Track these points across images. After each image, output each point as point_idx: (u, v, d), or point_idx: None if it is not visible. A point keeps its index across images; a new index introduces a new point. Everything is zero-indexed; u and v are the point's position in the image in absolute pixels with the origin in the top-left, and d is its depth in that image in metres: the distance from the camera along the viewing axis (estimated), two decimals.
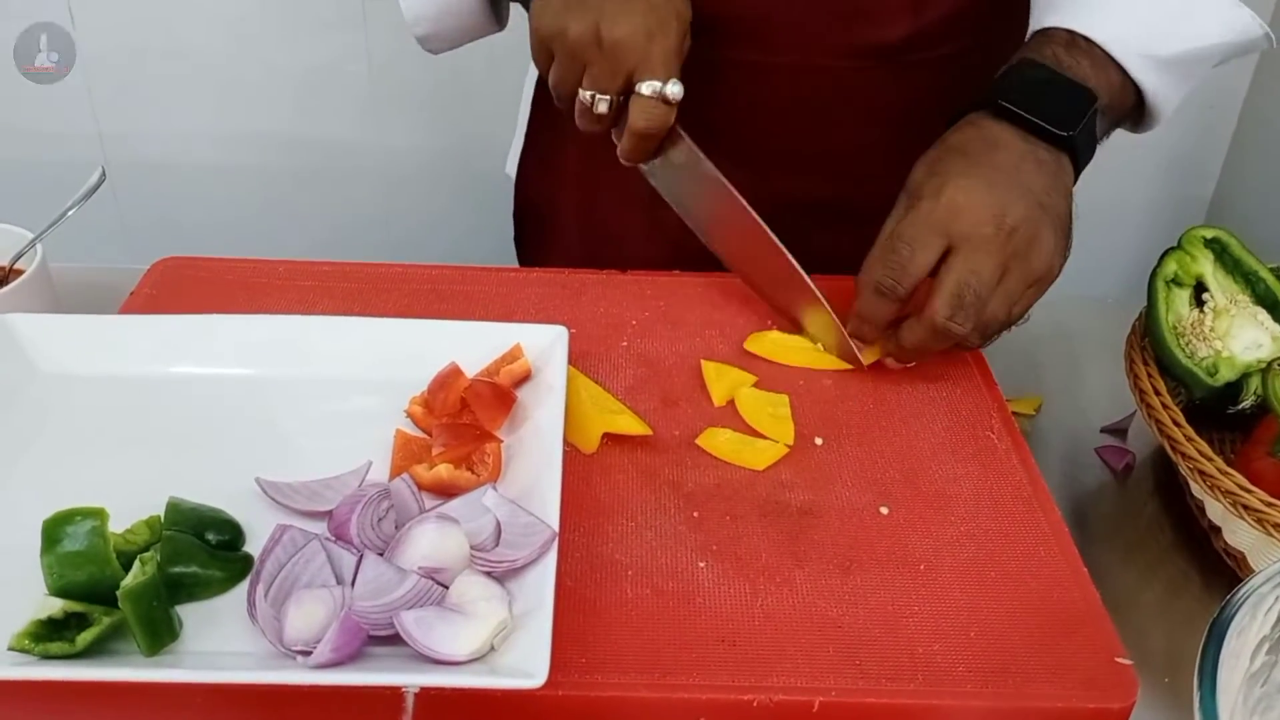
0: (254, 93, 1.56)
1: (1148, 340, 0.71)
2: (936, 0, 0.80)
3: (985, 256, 0.65)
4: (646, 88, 0.68)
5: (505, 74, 1.56)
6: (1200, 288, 0.71)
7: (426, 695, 0.50)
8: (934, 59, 0.82)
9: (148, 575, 0.50)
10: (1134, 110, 0.75)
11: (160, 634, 0.50)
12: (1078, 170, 0.70)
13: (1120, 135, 1.57)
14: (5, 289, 0.75)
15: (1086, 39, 0.70)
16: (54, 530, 0.52)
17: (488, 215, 1.67)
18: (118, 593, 0.49)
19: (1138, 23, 0.71)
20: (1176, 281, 0.71)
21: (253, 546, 0.57)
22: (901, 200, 0.69)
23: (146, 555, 0.51)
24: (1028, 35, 0.75)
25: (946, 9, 0.80)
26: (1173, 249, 0.72)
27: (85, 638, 0.48)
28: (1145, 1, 0.72)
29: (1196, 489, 0.66)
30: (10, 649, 0.49)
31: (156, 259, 0.81)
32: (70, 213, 0.78)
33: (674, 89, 0.68)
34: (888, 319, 0.69)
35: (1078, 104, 0.69)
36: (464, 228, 1.66)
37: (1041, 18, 0.74)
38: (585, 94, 0.70)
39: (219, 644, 0.52)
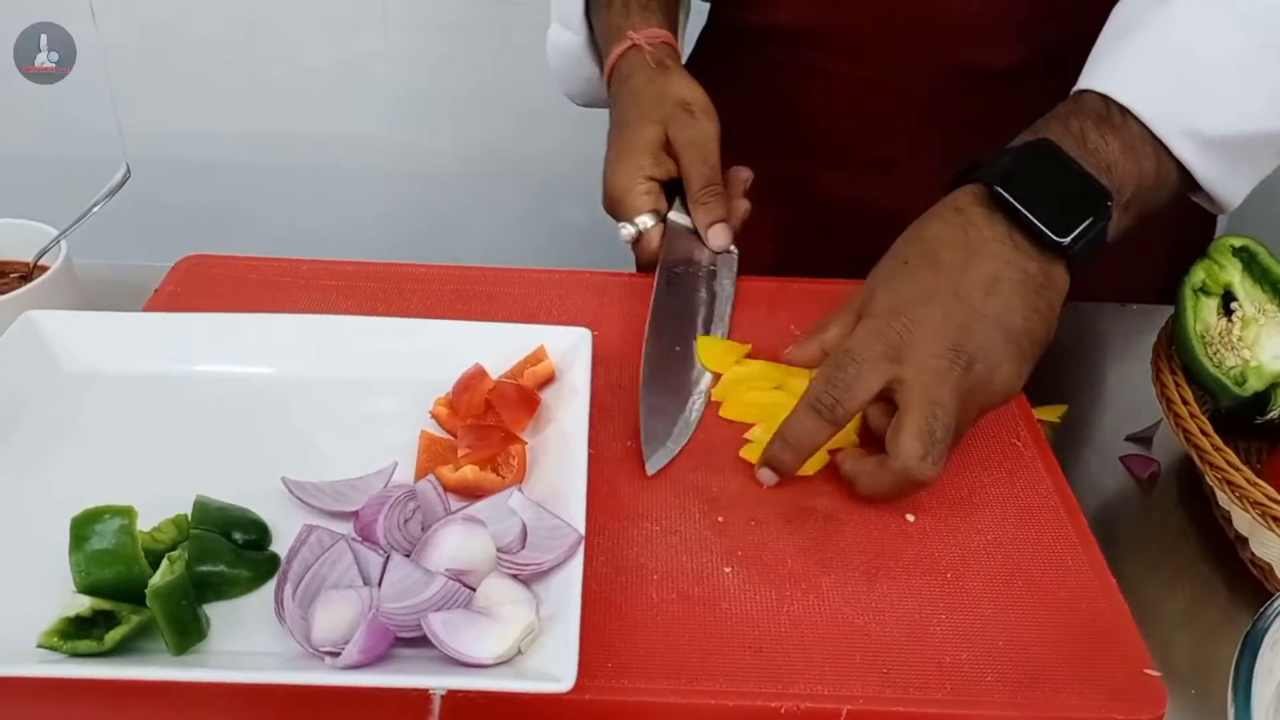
0: (274, 91, 1.56)
1: (1175, 349, 0.71)
2: (1051, 26, 0.75)
3: (943, 388, 0.59)
4: (622, 232, 0.77)
5: (526, 75, 1.57)
6: (1228, 296, 0.71)
7: (452, 698, 0.50)
8: (1038, 87, 0.71)
9: (176, 574, 0.50)
10: (1180, 194, 0.68)
11: (189, 633, 0.50)
12: (1076, 275, 0.64)
13: None
14: (29, 285, 0.75)
15: (1124, 109, 0.63)
16: (82, 528, 0.52)
17: (510, 215, 1.68)
18: (146, 591, 0.49)
19: (1185, 91, 0.63)
20: (1204, 290, 0.70)
21: (278, 546, 0.57)
22: (851, 305, 0.65)
23: (174, 554, 0.52)
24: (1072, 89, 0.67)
25: (1060, 37, 0.73)
26: (1201, 257, 0.71)
27: (114, 636, 0.48)
28: (1199, 65, 0.63)
29: (1223, 499, 0.65)
30: (39, 646, 0.49)
31: (175, 256, 0.81)
32: (96, 209, 0.78)
33: (637, 225, 0.77)
34: (815, 445, 0.62)
35: (1087, 208, 0.62)
36: (485, 228, 1.66)
37: (1087, 70, 0.67)
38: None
39: (245, 643, 0.52)
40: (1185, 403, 0.67)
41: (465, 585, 0.52)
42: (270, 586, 0.54)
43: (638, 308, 0.78)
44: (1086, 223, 0.61)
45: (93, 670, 0.48)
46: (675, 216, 0.78)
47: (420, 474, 0.61)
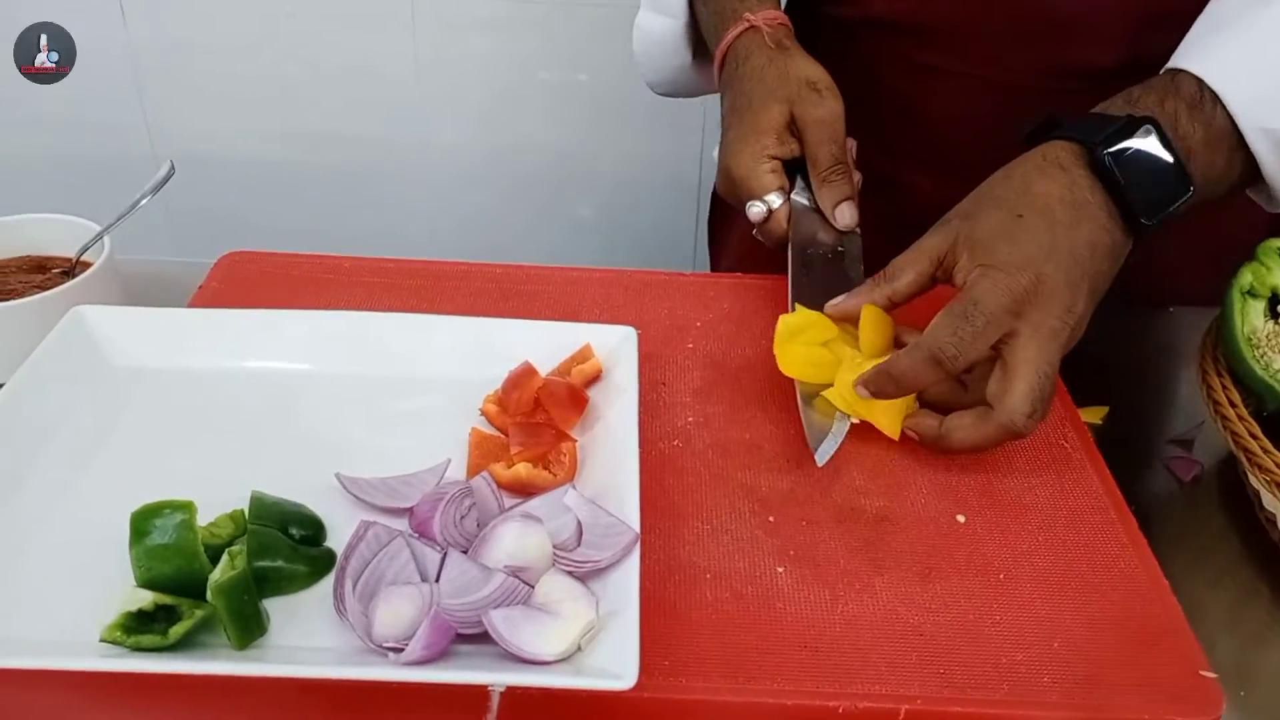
0: (301, 90, 1.56)
1: (1221, 351, 0.71)
2: (1156, 28, 0.74)
3: (1055, 347, 0.61)
4: (750, 210, 0.75)
5: (551, 73, 1.57)
6: (1275, 299, 0.71)
7: (511, 694, 0.50)
8: None
9: (238, 569, 0.50)
10: (1240, 189, 0.70)
11: (251, 628, 0.50)
12: (1137, 245, 0.66)
13: None
14: (74, 281, 0.75)
15: (1215, 95, 0.65)
16: (142, 523, 0.52)
17: (536, 214, 1.68)
18: (209, 587, 0.50)
19: (1269, 87, 0.65)
20: (1252, 293, 0.70)
21: (331, 542, 0.57)
22: (927, 252, 0.65)
23: (235, 549, 0.52)
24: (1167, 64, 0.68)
25: (1164, 40, 0.71)
26: (1248, 260, 0.71)
27: (177, 631, 0.48)
28: None
29: (1269, 502, 0.65)
30: (102, 640, 0.49)
31: (204, 253, 0.82)
32: (142, 204, 0.78)
33: (767, 203, 0.75)
34: (921, 387, 0.64)
35: (1174, 198, 0.64)
36: (511, 226, 1.67)
37: (1181, 50, 0.68)
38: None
39: (302, 639, 0.52)
40: (1233, 405, 0.67)
41: (523, 582, 0.52)
42: (326, 582, 0.54)
43: (679, 305, 0.78)
44: (1170, 208, 0.64)
45: (159, 665, 0.48)
46: (797, 196, 0.77)
47: (472, 471, 0.61)
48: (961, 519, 0.61)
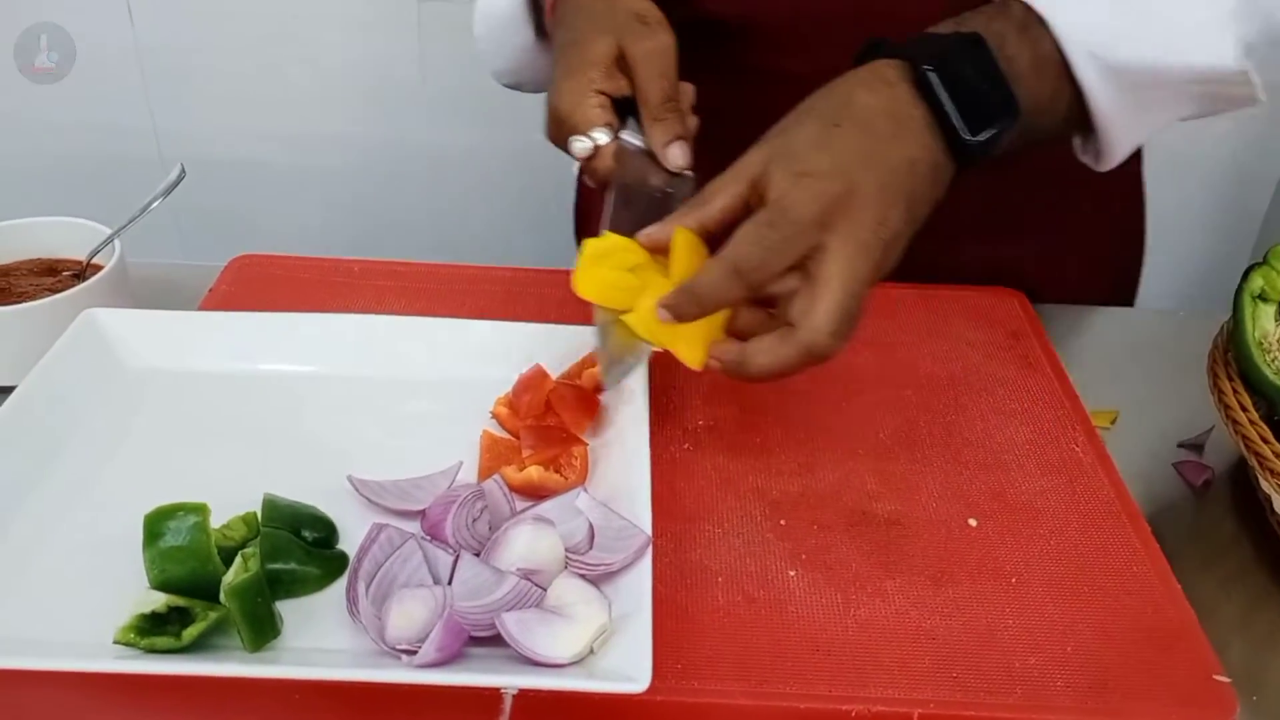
0: (309, 93, 1.56)
1: (1232, 355, 0.71)
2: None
3: (865, 262, 0.57)
4: (574, 146, 0.70)
5: None
6: None
7: (523, 697, 0.50)
8: None
9: (252, 572, 0.50)
10: (1068, 127, 0.67)
11: (264, 630, 0.50)
12: (962, 169, 0.63)
13: (1176, 149, 1.56)
14: (85, 284, 0.75)
15: (1041, 21, 0.63)
16: (156, 525, 0.52)
17: (543, 216, 1.68)
18: (222, 589, 0.50)
19: (1098, 14, 0.63)
20: (1263, 297, 0.70)
21: (343, 544, 0.57)
22: (743, 174, 0.60)
23: (248, 551, 0.52)
24: None
25: None
26: (1258, 264, 0.71)
27: (190, 633, 0.49)
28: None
29: None
30: (116, 642, 0.49)
31: (211, 256, 0.82)
32: (153, 207, 0.78)
33: (593, 139, 0.69)
34: (725, 304, 0.59)
35: (998, 115, 0.61)
36: (518, 229, 1.66)
37: None
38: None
39: (316, 641, 0.52)
40: (1244, 409, 0.67)
41: (536, 585, 0.52)
42: (338, 584, 0.54)
43: None
44: (994, 130, 0.60)
45: (173, 666, 0.48)
46: (627, 136, 0.72)
47: (484, 474, 0.61)
48: (973, 523, 0.61)
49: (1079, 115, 0.65)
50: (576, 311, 0.77)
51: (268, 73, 1.54)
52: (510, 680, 0.48)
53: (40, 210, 0.82)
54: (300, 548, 0.54)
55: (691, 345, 0.61)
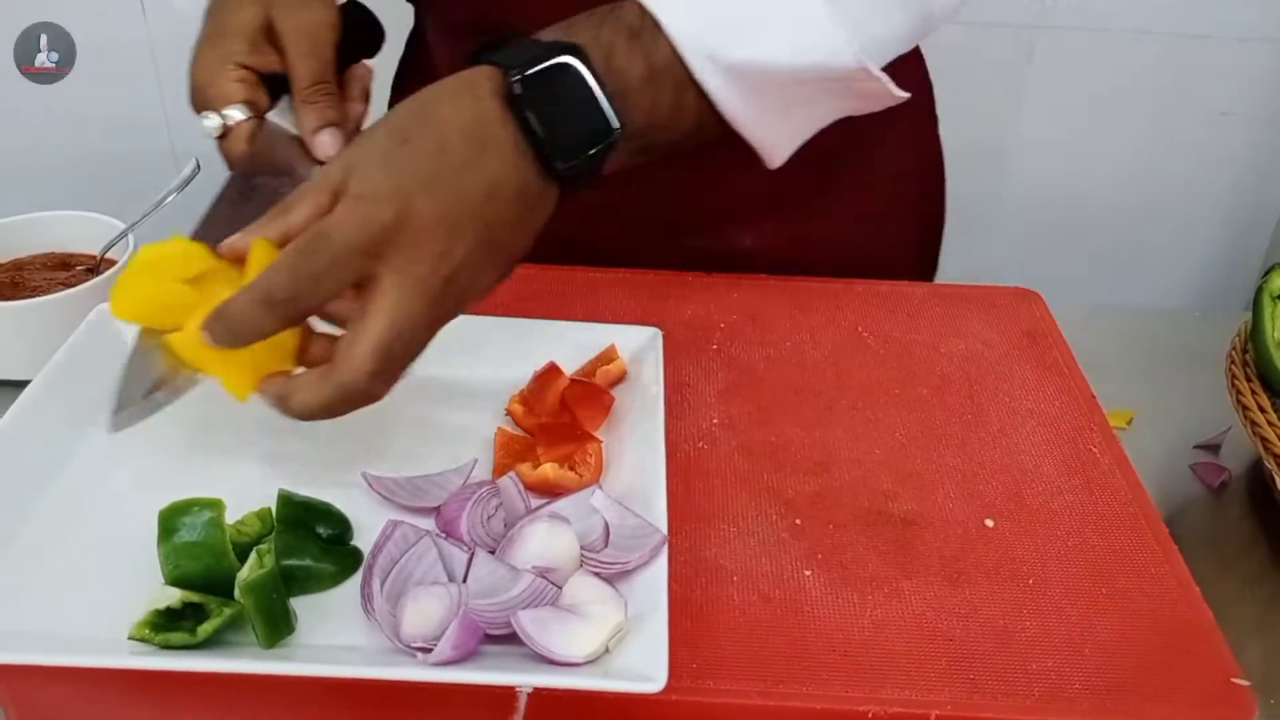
0: None
1: (1250, 355, 0.70)
2: None
3: (419, 299, 0.52)
4: (204, 124, 0.66)
5: None
6: None
7: (538, 696, 0.49)
8: None
9: (267, 568, 0.50)
10: (705, 132, 0.61)
11: (279, 627, 0.50)
12: (565, 199, 0.58)
13: (1193, 149, 1.55)
14: (98, 278, 0.75)
15: (655, 24, 0.57)
16: (171, 520, 0.52)
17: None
18: (237, 585, 0.50)
19: (715, 15, 0.58)
20: None
21: (357, 541, 0.57)
22: (326, 182, 0.54)
23: (263, 547, 0.52)
24: None
25: None
26: (1278, 264, 0.71)
27: (206, 629, 0.48)
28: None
29: None
30: (130, 639, 0.49)
31: None
32: (168, 202, 0.78)
33: (224, 117, 0.64)
34: (258, 336, 0.53)
35: (592, 139, 0.55)
36: None
37: None
38: None
39: (329, 638, 0.52)
40: (1262, 410, 0.66)
41: (551, 583, 0.52)
42: (352, 581, 0.54)
43: (702, 306, 0.78)
44: (587, 155, 0.55)
45: (186, 663, 0.48)
46: (277, 118, 0.66)
47: (499, 471, 0.61)
48: (990, 523, 0.61)
49: (716, 120, 0.60)
50: (591, 308, 0.77)
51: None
52: (525, 679, 0.48)
53: (54, 205, 0.83)
54: (315, 544, 0.54)
55: (240, 374, 0.54)
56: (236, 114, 0.64)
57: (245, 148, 0.65)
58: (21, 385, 0.62)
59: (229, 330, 0.52)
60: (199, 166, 0.79)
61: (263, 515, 0.55)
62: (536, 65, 0.54)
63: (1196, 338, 0.83)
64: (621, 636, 0.50)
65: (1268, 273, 0.71)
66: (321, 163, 0.64)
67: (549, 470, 0.59)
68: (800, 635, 0.54)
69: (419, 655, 0.49)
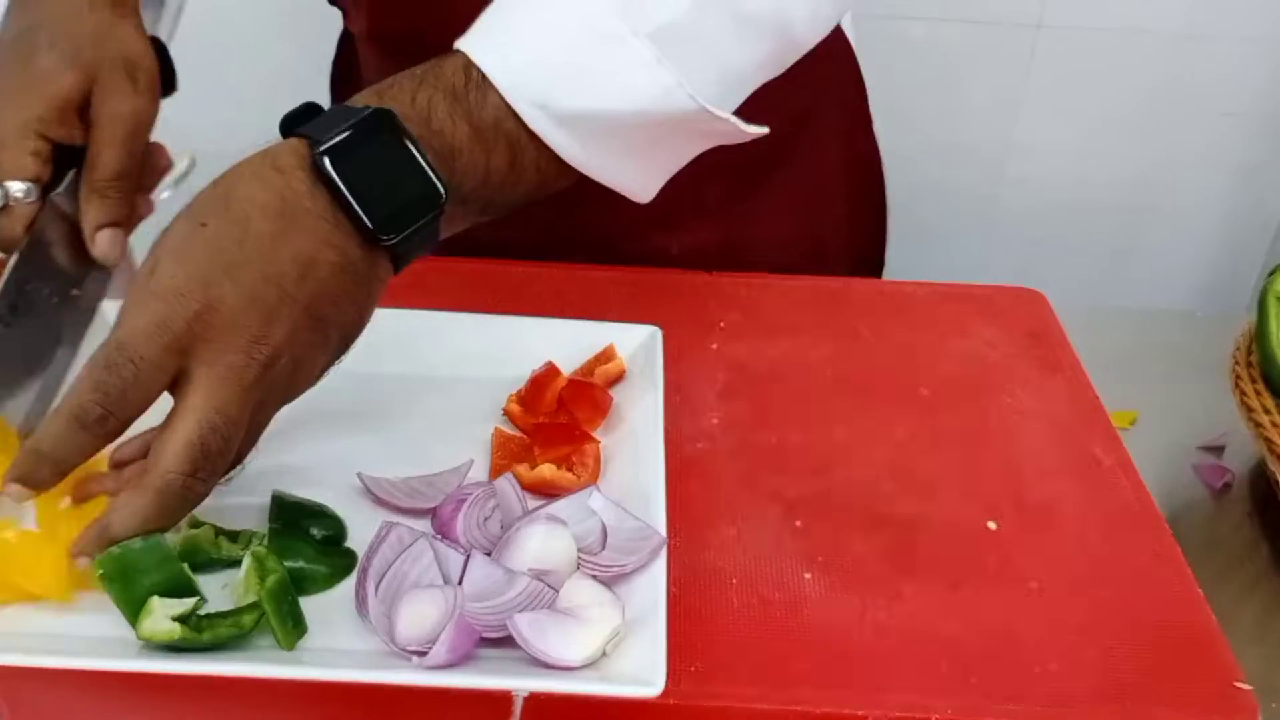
0: (319, 83, 1.55)
1: (1254, 356, 0.70)
2: None
3: (232, 389, 0.49)
4: None
5: None
6: None
7: (534, 700, 0.49)
8: None
9: (278, 572, 0.49)
10: (555, 182, 0.59)
11: (300, 627, 0.50)
12: (402, 264, 0.56)
13: (1194, 150, 1.54)
14: None
15: (482, 77, 0.55)
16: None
17: None
18: (261, 597, 0.49)
19: (542, 63, 0.56)
20: None
21: (352, 543, 0.56)
22: (155, 250, 0.51)
23: (260, 551, 0.51)
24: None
25: None
26: None
27: (215, 634, 0.48)
28: (560, 43, 0.57)
29: None
30: (140, 638, 0.48)
31: None
32: (163, 198, 0.77)
33: (7, 190, 0.59)
34: (80, 459, 0.50)
35: (418, 206, 0.53)
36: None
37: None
38: None
39: (324, 640, 0.51)
40: (1267, 411, 0.66)
41: (548, 586, 0.51)
42: (346, 584, 0.54)
43: (702, 305, 0.78)
44: (414, 225, 0.53)
45: (179, 666, 0.47)
46: (60, 199, 0.60)
47: (495, 472, 0.60)
48: (992, 525, 0.60)
49: (561, 169, 0.58)
50: (589, 307, 0.76)
51: (279, 62, 1.53)
52: (521, 683, 0.48)
53: None
54: (309, 546, 0.54)
55: (50, 571, 0.50)
56: (22, 191, 0.59)
57: (21, 232, 0.60)
58: None
59: (49, 460, 0.49)
60: (195, 163, 0.78)
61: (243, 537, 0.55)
62: (343, 134, 0.52)
63: (1200, 339, 0.82)
64: (619, 640, 0.50)
65: (1272, 273, 0.70)
66: (93, 262, 0.60)
67: (546, 471, 0.59)
68: (800, 638, 0.53)
69: (414, 658, 0.49)
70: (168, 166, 0.66)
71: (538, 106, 0.56)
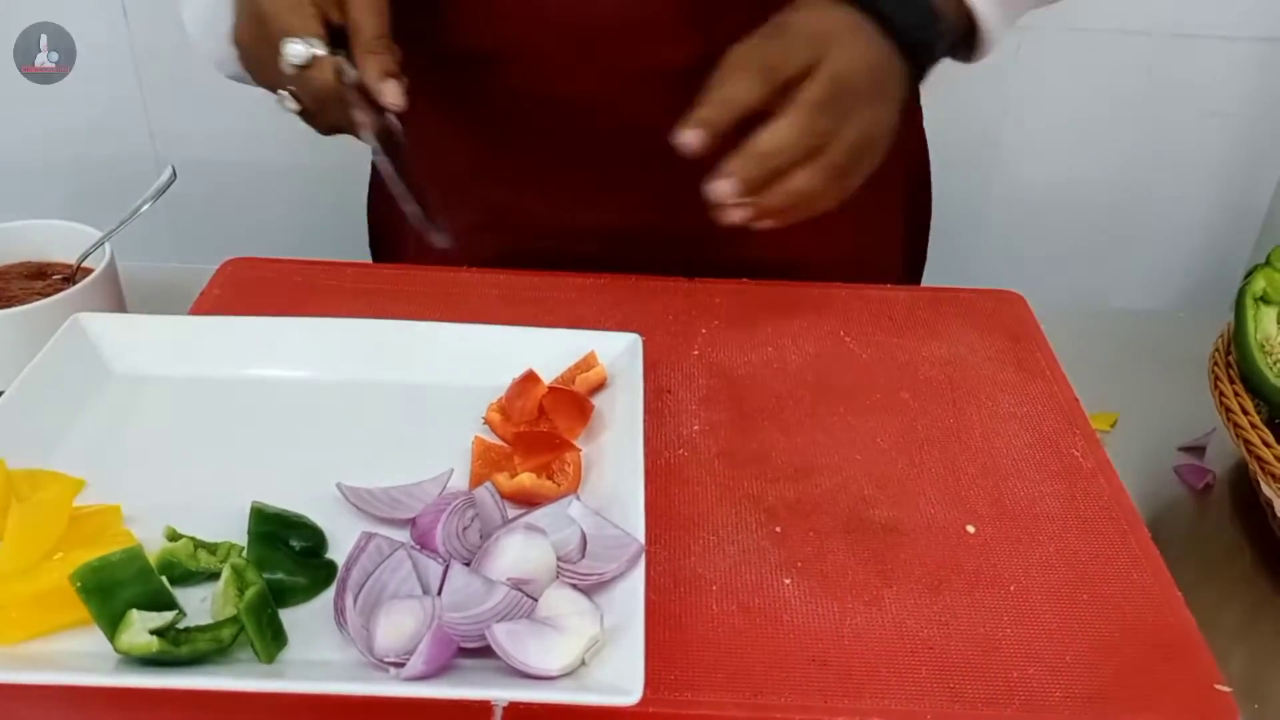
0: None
1: (1233, 357, 0.70)
2: (724, 16, 0.70)
3: (860, 63, 0.64)
4: (288, 49, 0.64)
5: None
6: None
7: (514, 710, 0.49)
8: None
9: (257, 585, 0.49)
10: (962, 40, 0.73)
11: (279, 640, 0.49)
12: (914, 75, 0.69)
13: (1176, 149, 1.54)
14: (75, 288, 0.75)
15: None
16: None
17: None
18: (240, 611, 0.49)
19: None
20: (1265, 299, 0.69)
21: (332, 553, 0.56)
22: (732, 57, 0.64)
23: (238, 562, 0.51)
24: None
25: (737, 27, 0.67)
26: (1260, 265, 0.70)
27: (193, 648, 0.48)
28: None
29: None
30: (118, 651, 0.48)
31: (206, 258, 0.81)
32: (143, 210, 0.77)
33: (309, 44, 0.64)
34: (748, 105, 0.62)
35: (922, 26, 0.67)
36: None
37: None
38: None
39: (303, 652, 0.51)
40: (1246, 413, 0.66)
41: (527, 595, 0.51)
42: (326, 595, 0.53)
43: (683, 312, 0.78)
44: (935, 39, 0.68)
45: (154, 680, 0.47)
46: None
47: (475, 481, 0.60)
48: (971, 530, 0.61)
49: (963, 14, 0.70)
50: (570, 316, 0.77)
51: None
52: (500, 693, 0.48)
53: (33, 213, 0.82)
54: (288, 557, 0.53)
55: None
56: (319, 46, 0.64)
57: (334, 81, 0.64)
58: None
59: (722, 104, 0.62)
60: (175, 174, 0.78)
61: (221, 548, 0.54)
62: None
63: (1180, 339, 0.83)
64: (598, 649, 0.50)
65: (1249, 274, 0.71)
66: (384, 110, 0.65)
67: (526, 480, 0.59)
68: (779, 645, 0.53)
69: (392, 670, 0.49)
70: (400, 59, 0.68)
71: None
